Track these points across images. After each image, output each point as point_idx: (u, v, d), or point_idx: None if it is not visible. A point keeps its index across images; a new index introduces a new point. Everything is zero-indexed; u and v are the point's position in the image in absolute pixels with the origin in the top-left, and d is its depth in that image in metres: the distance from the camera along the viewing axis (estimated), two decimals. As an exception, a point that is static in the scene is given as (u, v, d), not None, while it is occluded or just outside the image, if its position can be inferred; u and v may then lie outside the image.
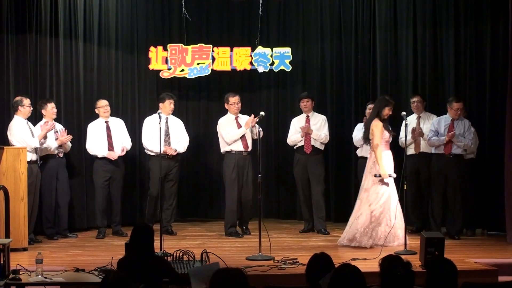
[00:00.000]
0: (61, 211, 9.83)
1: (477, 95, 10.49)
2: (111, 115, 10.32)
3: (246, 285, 4.57)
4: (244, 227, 10.24)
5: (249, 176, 10.11)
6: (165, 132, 10.12)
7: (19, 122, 9.37)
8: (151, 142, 10.08)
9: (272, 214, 11.69)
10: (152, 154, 10.16)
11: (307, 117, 10.32)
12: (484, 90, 10.41)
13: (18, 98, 9.47)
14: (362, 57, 11.27)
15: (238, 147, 10.12)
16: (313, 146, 10.20)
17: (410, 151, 10.01)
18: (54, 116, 9.83)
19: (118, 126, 10.27)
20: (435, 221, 9.87)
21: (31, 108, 9.50)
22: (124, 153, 10.17)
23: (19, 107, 9.38)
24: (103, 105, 10.11)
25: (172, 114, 10.38)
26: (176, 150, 10.22)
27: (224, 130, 10.18)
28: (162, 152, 9.51)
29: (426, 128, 10.03)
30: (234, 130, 10.10)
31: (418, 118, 10.21)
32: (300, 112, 10.50)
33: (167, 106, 10.17)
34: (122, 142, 10.19)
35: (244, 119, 10.16)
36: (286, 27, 11.81)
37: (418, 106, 10.23)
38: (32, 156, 9.33)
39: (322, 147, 10.33)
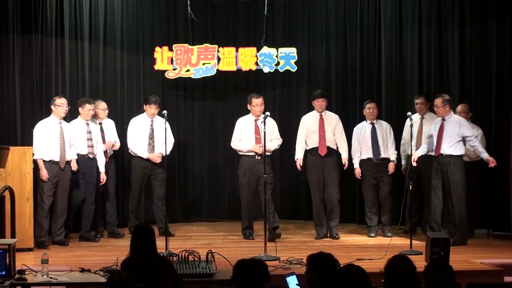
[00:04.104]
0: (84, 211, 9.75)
1: (482, 95, 10.47)
2: (112, 115, 10.36)
3: (267, 273, 4.82)
4: (273, 231, 9.67)
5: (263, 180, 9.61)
6: (149, 136, 10.01)
7: (46, 122, 9.29)
8: (136, 145, 10.01)
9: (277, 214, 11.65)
10: (135, 156, 10.09)
11: (320, 116, 9.95)
12: (490, 89, 10.39)
13: (54, 97, 9.45)
14: (367, 57, 11.26)
15: (250, 149, 9.81)
16: (328, 147, 9.85)
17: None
18: (89, 118, 9.71)
19: (110, 127, 10.21)
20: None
21: (64, 108, 9.32)
22: (110, 145, 10.00)
23: (51, 106, 9.31)
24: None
25: (176, 114, 10.35)
26: (160, 154, 9.94)
27: (235, 134, 9.95)
28: (147, 158, 9.76)
29: (429, 130, 9.87)
30: (243, 143, 9.78)
31: (422, 119, 10.12)
32: (306, 110, 10.40)
33: (147, 109, 10.01)
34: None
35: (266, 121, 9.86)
36: (291, 27, 11.80)
37: (422, 108, 10.11)
38: (53, 157, 9.20)
39: (335, 147, 9.99)
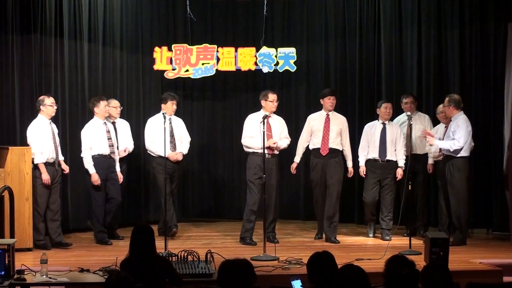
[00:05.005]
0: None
1: (482, 95, 10.47)
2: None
3: (253, 273, 4.77)
4: (270, 236, 9.39)
5: (273, 180, 9.47)
6: (170, 133, 9.85)
7: (39, 124, 9.19)
8: (155, 144, 9.75)
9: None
10: (156, 156, 9.90)
11: (327, 115, 9.78)
12: (489, 89, 10.39)
13: (41, 97, 9.31)
14: (366, 57, 11.26)
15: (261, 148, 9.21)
16: (330, 148, 9.63)
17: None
18: (107, 115, 9.65)
19: (124, 128, 10.18)
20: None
21: (54, 108, 9.26)
22: (126, 153, 10.06)
23: (40, 106, 9.17)
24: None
25: (176, 114, 10.30)
26: (181, 153, 10.02)
27: (246, 130, 9.60)
28: (167, 156, 9.45)
29: (418, 129, 9.85)
30: (254, 140, 9.38)
31: (410, 118, 10.00)
32: (305, 110, 10.32)
33: (169, 107, 9.88)
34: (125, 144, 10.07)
35: (276, 119, 9.61)
36: (290, 27, 11.81)
37: (412, 107, 10.01)
38: (49, 158, 9.09)
39: (340, 148, 9.73)
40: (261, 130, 8.78)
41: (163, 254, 7.21)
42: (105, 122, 9.62)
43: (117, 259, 6.81)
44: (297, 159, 9.91)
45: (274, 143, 9.40)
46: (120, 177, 9.76)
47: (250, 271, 4.79)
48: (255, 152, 9.46)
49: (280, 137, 9.64)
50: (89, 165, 9.46)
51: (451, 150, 9.20)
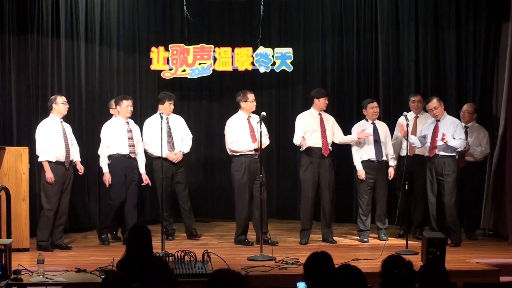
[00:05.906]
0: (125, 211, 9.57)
1: (479, 94, 10.48)
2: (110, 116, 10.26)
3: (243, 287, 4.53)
4: (266, 238, 9.13)
5: (263, 179, 9.21)
6: (167, 133, 9.82)
7: (48, 122, 9.10)
8: (154, 146, 9.60)
9: (273, 214, 11.64)
10: (154, 157, 9.77)
11: (320, 114, 9.62)
12: (486, 90, 10.41)
13: (52, 96, 9.29)
14: (364, 57, 11.26)
15: (250, 148, 9.44)
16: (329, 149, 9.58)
17: (403, 152, 9.69)
18: (129, 115, 9.59)
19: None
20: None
21: (66, 106, 9.19)
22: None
23: (52, 104, 9.10)
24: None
25: (173, 113, 10.28)
26: (181, 152, 9.93)
27: (232, 135, 9.52)
28: (164, 157, 9.42)
29: (418, 130, 9.72)
30: (242, 143, 9.41)
31: (416, 118, 9.94)
32: (302, 110, 10.27)
33: (167, 107, 9.85)
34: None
35: (255, 119, 9.34)
36: (287, 27, 11.81)
37: (419, 106, 9.94)
38: (59, 157, 9.00)
39: (331, 149, 9.64)
40: (258, 131, 8.77)
41: (160, 254, 7.22)
42: (127, 122, 9.59)
43: (114, 259, 6.79)
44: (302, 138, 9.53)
45: (264, 144, 9.39)
46: (146, 179, 9.68)
47: (242, 285, 4.54)
48: (243, 154, 9.44)
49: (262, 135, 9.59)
50: (103, 163, 9.45)
51: (459, 150, 9.28)
